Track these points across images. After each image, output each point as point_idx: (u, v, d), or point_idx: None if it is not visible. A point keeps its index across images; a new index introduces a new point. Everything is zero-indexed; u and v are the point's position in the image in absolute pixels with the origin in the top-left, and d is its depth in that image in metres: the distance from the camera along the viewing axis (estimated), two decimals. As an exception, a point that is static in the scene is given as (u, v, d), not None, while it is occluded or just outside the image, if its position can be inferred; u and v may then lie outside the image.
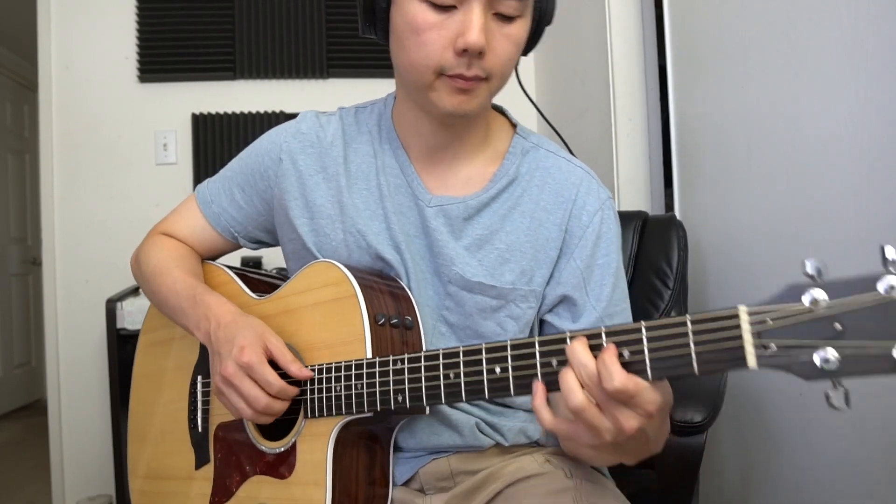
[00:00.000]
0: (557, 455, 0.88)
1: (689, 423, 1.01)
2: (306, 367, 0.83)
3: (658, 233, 1.43)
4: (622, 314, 0.91)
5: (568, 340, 0.62)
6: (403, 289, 0.87)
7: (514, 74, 0.94)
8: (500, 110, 0.97)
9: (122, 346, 2.00)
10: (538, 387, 0.63)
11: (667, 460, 1.04)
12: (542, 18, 0.83)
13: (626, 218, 1.45)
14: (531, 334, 0.93)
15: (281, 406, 0.81)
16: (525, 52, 0.87)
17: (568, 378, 0.60)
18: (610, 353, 0.59)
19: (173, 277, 0.94)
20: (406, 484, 0.89)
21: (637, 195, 1.88)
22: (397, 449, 0.88)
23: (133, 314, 2.00)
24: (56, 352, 2.40)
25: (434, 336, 0.88)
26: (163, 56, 2.46)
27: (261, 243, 1.03)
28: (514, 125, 0.96)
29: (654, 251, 1.41)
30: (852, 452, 1.16)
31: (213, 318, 0.86)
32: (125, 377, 1.99)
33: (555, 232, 0.89)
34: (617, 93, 1.89)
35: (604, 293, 0.88)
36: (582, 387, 0.60)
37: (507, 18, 0.78)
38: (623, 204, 1.87)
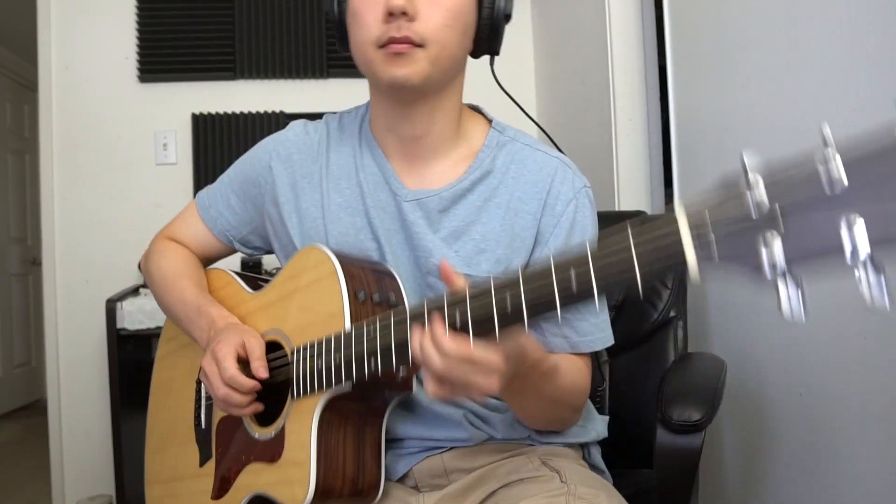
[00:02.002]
0: (552, 458, 0.88)
1: (687, 421, 1.01)
2: (293, 349, 0.85)
3: (658, 232, 1.42)
4: None
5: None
6: (388, 269, 0.89)
7: (493, 76, 0.98)
8: (475, 108, 0.99)
9: (122, 346, 2.00)
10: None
11: (666, 459, 1.04)
12: (493, 14, 0.87)
13: (625, 218, 1.44)
14: None
15: (239, 398, 0.83)
16: (490, 53, 0.92)
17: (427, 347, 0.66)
18: (437, 324, 0.65)
19: (181, 286, 1.00)
20: (400, 480, 0.90)
21: (637, 195, 1.89)
22: (391, 444, 0.89)
23: (133, 314, 2.00)
24: (56, 352, 2.40)
25: None
26: (163, 56, 2.46)
27: (256, 248, 1.06)
28: (489, 121, 0.97)
29: (654, 251, 1.41)
30: (852, 452, 1.16)
31: (213, 327, 0.91)
32: (125, 377, 2.02)
33: (530, 221, 0.90)
34: (617, 93, 1.89)
35: None
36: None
37: None
38: (623, 204, 1.87)
